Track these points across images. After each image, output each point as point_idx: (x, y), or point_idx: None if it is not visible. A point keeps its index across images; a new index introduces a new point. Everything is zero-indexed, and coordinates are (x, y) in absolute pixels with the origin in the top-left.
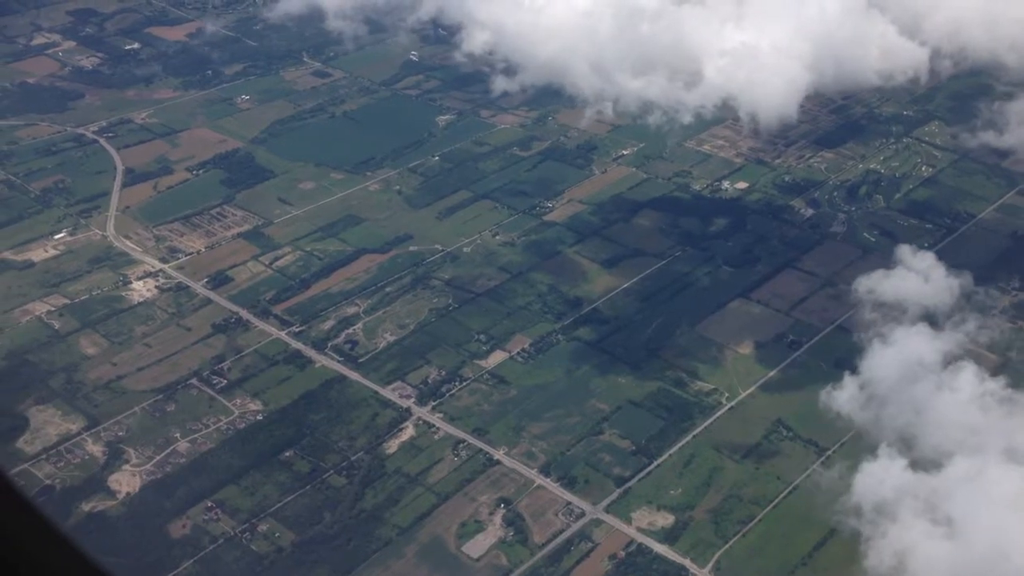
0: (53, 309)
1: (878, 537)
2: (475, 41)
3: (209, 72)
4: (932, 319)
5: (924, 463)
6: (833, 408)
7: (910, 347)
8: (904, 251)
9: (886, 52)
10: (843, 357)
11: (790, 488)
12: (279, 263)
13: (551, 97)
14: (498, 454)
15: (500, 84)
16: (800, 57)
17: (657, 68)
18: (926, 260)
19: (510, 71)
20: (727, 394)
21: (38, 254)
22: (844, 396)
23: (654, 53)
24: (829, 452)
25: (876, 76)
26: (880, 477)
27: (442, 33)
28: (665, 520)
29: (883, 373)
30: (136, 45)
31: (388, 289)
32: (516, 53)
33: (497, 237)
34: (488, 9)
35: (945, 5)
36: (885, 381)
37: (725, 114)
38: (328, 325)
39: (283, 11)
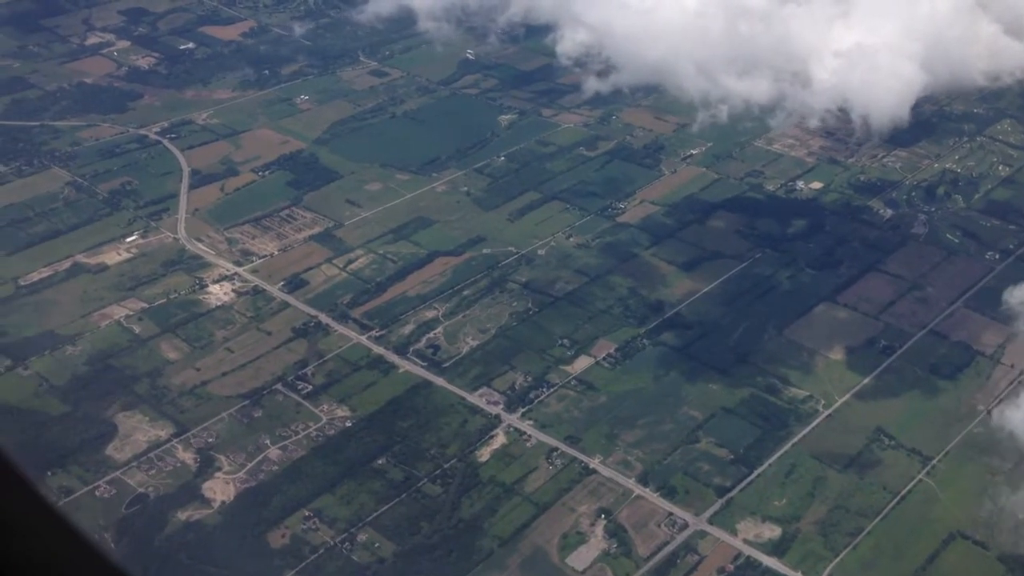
0: (131, 313)
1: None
2: (570, 42)
3: (266, 72)
4: None
5: None
6: (1006, 428)
7: None
8: None
9: (993, 53)
10: (938, 363)
11: (897, 499)
12: (353, 266)
13: (653, 97)
14: (593, 463)
15: (592, 85)
16: (912, 57)
17: (762, 69)
18: None
19: (604, 72)
20: (823, 401)
21: (111, 257)
22: (1019, 416)
23: (759, 54)
24: (934, 461)
25: (982, 77)
26: None
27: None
28: (772, 532)
29: None
30: (191, 45)
31: (465, 292)
32: (618, 54)
33: (571, 239)
34: (588, 9)
35: None
36: None
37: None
38: (408, 329)
39: (372, 12)
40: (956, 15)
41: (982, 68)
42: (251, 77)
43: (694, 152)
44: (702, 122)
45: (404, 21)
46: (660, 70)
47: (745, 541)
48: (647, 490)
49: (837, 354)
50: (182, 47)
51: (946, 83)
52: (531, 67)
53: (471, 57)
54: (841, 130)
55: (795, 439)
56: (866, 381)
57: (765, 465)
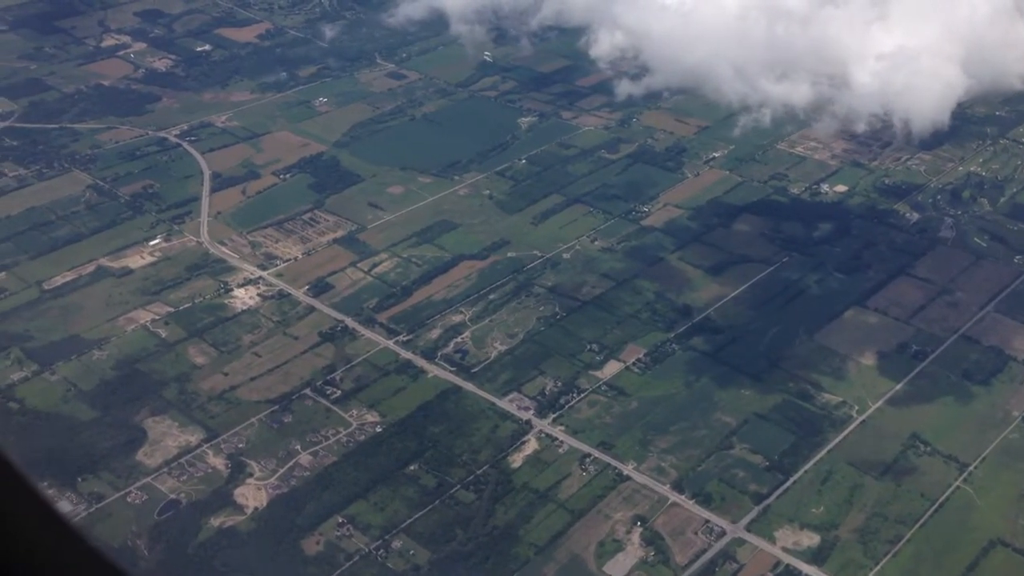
0: (157, 317)
1: None
2: (604, 45)
3: (283, 74)
4: None
5: None
6: None
7: None
8: None
9: None
10: (971, 368)
11: (936, 506)
12: (377, 270)
13: (688, 100)
14: (627, 469)
15: (625, 87)
16: (953, 60)
17: (800, 72)
18: None
19: (638, 74)
20: (856, 407)
21: (135, 261)
22: None
23: (797, 57)
24: (971, 468)
25: (1019, 80)
26: None
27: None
28: (811, 540)
29: None
30: (207, 47)
31: (491, 296)
32: (655, 57)
33: (596, 243)
34: (627, 12)
35: None
36: None
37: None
38: (435, 334)
39: (404, 15)
40: (994, 18)
41: (1019, 71)
42: (271, 80)
43: (716, 155)
44: (744, 126)
45: (422, 23)
46: (698, 73)
47: (784, 549)
48: (682, 497)
49: (869, 359)
50: (198, 49)
51: (985, 86)
52: (549, 69)
53: (489, 59)
54: (865, 133)
55: (830, 445)
56: (899, 387)
57: (801, 472)
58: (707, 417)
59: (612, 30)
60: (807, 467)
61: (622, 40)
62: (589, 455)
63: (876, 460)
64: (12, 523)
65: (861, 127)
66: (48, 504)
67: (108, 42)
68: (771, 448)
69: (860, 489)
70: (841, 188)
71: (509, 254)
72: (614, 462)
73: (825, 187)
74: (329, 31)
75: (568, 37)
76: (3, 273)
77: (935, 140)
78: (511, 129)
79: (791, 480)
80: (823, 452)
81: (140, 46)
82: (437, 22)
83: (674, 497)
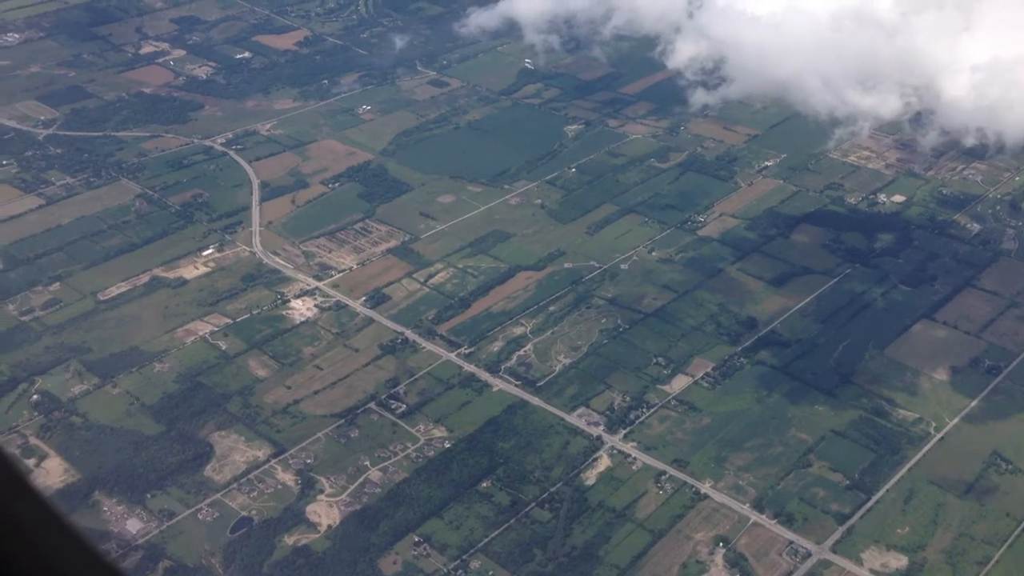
0: (216, 329)
1: None
2: (682, 54)
3: (325, 81)
4: None
5: None
6: None
7: None
8: None
9: None
10: None
11: (1022, 526)
12: (433, 281)
13: (735, 108)
14: (704, 487)
15: (700, 97)
16: None
17: (888, 83)
18: None
19: (716, 84)
20: (933, 424)
21: (189, 271)
22: None
23: (885, 68)
24: None
25: None
26: None
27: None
28: (898, 561)
29: None
30: (247, 54)
31: (551, 308)
32: (740, 68)
33: (653, 253)
34: (711, 22)
35: None
36: None
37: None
38: (497, 346)
39: (476, 24)
40: None
41: None
42: (310, 87)
43: (768, 164)
44: (839, 139)
45: (494, 32)
46: (785, 84)
47: (872, 572)
48: (763, 517)
49: (941, 374)
50: (238, 56)
51: None
52: (592, 76)
53: (530, 67)
54: (917, 142)
55: (910, 463)
56: (974, 403)
57: (883, 491)
58: (782, 434)
59: (695, 39)
60: (888, 486)
61: (703, 50)
62: (664, 472)
63: (958, 478)
64: (11, 523)
65: (970, 141)
66: (47, 503)
67: (146, 49)
68: (850, 466)
69: (944, 508)
70: (899, 198)
71: (566, 265)
72: (690, 480)
73: (883, 197)
74: (400, 40)
75: (644, 47)
76: (57, 284)
77: (988, 148)
78: (558, 137)
79: (873, 499)
80: (903, 470)
81: (179, 53)
82: (514, 31)
83: (755, 517)
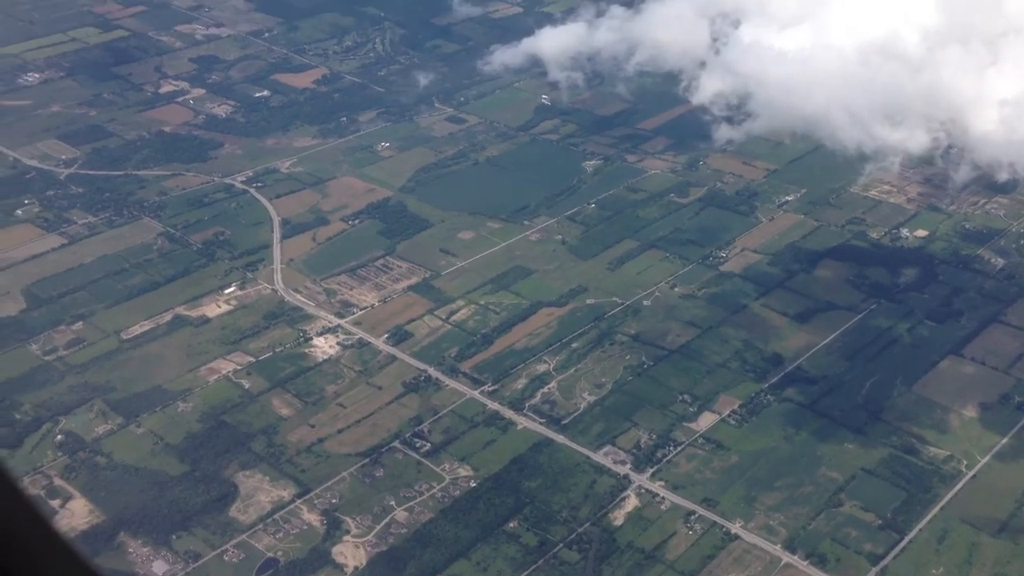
0: (239, 367)
1: None
2: (707, 89)
3: (343, 119)
4: None
5: None
6: None
7: None
8: None
9: None
10: None
11: None
12: (455, 317)
13: (754, 144)
14: (735, 527)
15: (724, 132)
16: None
17: (915, 118)
18: None
19: (739, 119)
20: (964, 462)
21: (212, 309)
22: None
23: (911, 103)
24: None
25: None
26: None
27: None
28: None
29: None
30: (265, 92)
31: (574, 345)
32: (765, 103)
33: (676, 289)
34: (739, 58)
35: None
36: None
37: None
38: (521, 384)
39: (500, 62)
40: None
41: None
42: (329, 124)
43: (789, 198)
44: (869, 173)
45: (477, 68)
46: (812, 119)
47: None
48: (795, 557)
49: (971, 411)
50: (257, 95)
51: None
52: (609, 112)
53: (547, 102)
54: (938, 176)
55: (942, 502)
56: (1005, 440)
57: (916, 530)
58: (812, 472)
59: (721, 75)
60: (921, 525)
61: (728, 85)
62: (693, 512)
63: (991, 517)
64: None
65: (1003, 176)
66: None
67: (166, 88)
68: (882, 505)
69: (978, 548)
70: (921, 232)
71: (588, 301)
72: (720, 520)
73: (905, 232)
74: (424, 79)
75: (667, 83)
76: (80, 323)
77: (1009, 182)
78: (576, 172)
79: (906, 539)
80: (936, 509)
81: (198, 92)
82: (536, 66)
83: (787, 558)
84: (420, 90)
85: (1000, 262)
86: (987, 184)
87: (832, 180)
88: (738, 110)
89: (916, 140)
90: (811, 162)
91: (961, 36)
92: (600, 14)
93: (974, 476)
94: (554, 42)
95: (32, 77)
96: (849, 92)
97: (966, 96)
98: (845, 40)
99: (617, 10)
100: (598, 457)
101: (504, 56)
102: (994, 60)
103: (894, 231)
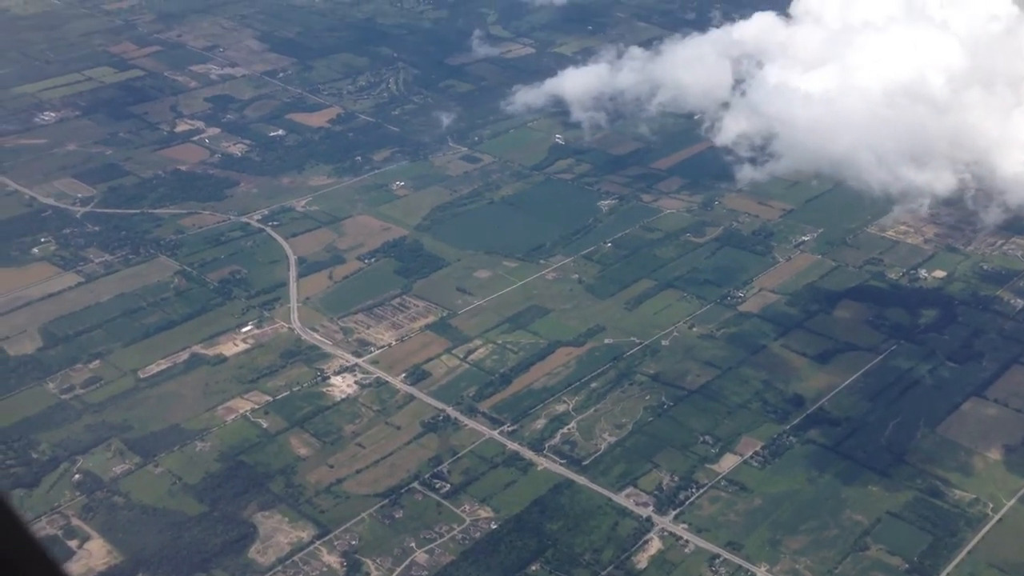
0: (257, 407)
1: None
2: (730, 130)
3: (358, 158)
4: None
5: None
6: None
7: None
8: None
9: None
10: None
11: None
12: (473, 357)
13: (769, 184)
14: (760, 571)
15: (747, 173)
16: None
17: (940, 160)
18: None
19: (758, 160)
20: (991, 505)
21: (228, 348)
22: None
23: (936, 144)
24: None
25: None
26: None
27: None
28: None
29: None
30: (281, 132)
31: (593, 385)
32: (791, 145)
33: (694, 329)
34: (764, 99)
35: None
36: None
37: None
38: (540, 424)
39: (522, 102)
40: None
41: None
42: (344, 163)
43: (806, 238)
44: (896, 216)
45: (494, 107)
46: (837, 160)
47: None
48: None
49: (995, 453)
50: (272, 134)
51: None
52: (623, 151)
53: (560, 142)
54: (954, 216)
55: (969, 546)
56: None
57: (943, 575)
58: (837, 515)
59: (745, 116)
60: (948, 569)
61: (752, 126)
62: (718, 556)
63: (1019, 561)
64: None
65: None
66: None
67: (181, 127)
68: (909, 549)
69: None
70: (940, 273)
71: (606, 341)
72: (746, 564)
73: (923, 272)
74: (446, 118)
75: (686, 122)
76: (97, 361)
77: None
78: (591, 212)
79: None
80: (963, 553)
81: (214, 131)
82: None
83: None
84: (442, 130)
85: (1020, 303)
86: (1005, 225)
87: (848, 220)
88: (762, 151)
89: (942, 181)
90: (827, 202)
91: (986, 79)
92: (619, 55)
93: (1000, 519)
94: (576, 82)
95: (48, 116)
96: (875, 133)
97: (991, 138)
98: (871, 82)
99: (637, 51)
100: (620, 499)
101: (527, 96)
102: (1018, 102)
103: (912, 272)
